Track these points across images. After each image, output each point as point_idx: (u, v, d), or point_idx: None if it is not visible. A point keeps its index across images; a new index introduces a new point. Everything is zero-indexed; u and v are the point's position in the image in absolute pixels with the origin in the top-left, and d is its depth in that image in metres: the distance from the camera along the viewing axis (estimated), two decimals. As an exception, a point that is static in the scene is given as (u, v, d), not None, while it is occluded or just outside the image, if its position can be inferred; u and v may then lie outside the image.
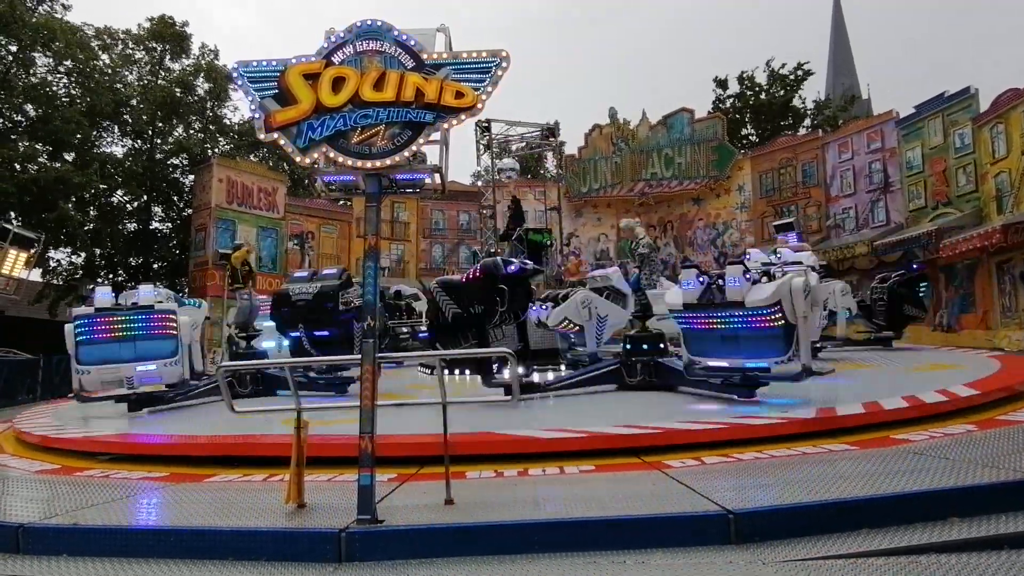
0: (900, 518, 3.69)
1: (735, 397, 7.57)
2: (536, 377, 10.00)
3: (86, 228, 27.20)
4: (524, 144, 25.40)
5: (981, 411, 6.69)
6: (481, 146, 23.50)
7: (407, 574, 3.54)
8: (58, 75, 26.81)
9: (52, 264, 27.70)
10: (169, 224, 32.07)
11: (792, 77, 36.83)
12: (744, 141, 36.56)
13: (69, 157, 26.62)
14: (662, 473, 4.93)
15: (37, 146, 24.85)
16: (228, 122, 33.20)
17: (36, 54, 25.65)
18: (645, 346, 9.39)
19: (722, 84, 38.05)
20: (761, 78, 37.25)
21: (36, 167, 24.56)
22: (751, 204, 30.79)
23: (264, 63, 4.49)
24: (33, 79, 25.76)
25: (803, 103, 37.87)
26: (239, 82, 4.51)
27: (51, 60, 26.26)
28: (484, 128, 23.27)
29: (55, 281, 27.94)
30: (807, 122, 37.65)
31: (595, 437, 5.98)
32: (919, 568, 3.16)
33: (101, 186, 27.69)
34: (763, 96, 36.88)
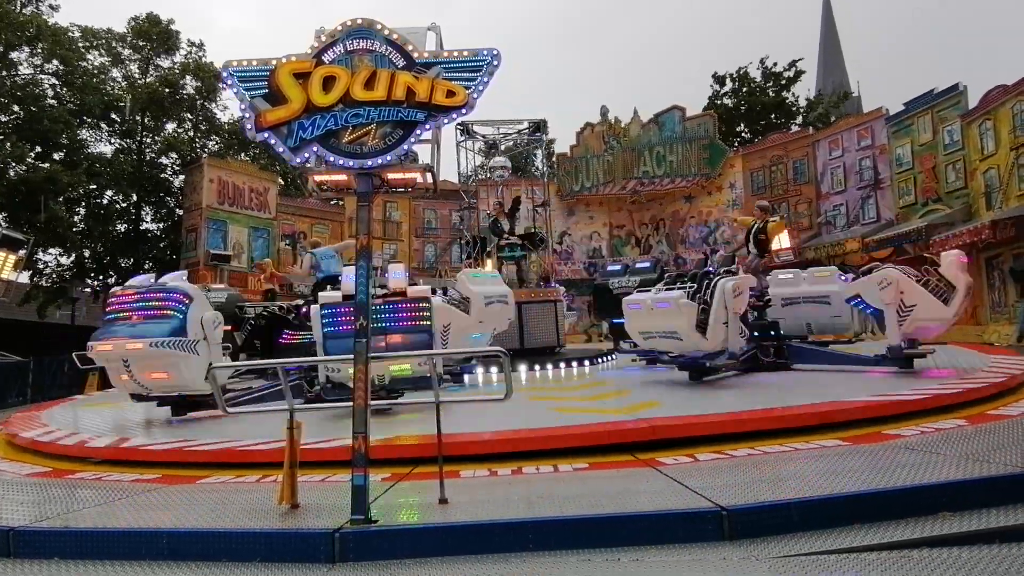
0: (892, 513, 3.71)
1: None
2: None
3: (75, 229, 27.00)
4: (512, 143, 25.28)
5: (972, 406, 6.73)
6: (463, 148, 23.29)
7: (401, 574, 3.53)
8: (45, 75, 26.60)
9: (40, 265, 27.46)
10: (159, 225, 31.88)
11: (785, 75, 37.00)
12: (737, 139, 36.70)
13: (57, 157, 26.41)
14: (655, 470, 4.94)
15: (25, 146, 24.63)
16: (219, 120, 32.95)
17: (22, 54, 25.44)
18: (771, 332, 10.51)
19: (720, 80, 38.15)
20: (755, 75, 37.44)
21: (24, 167, 24.36)
22: (742, 201, 30.91)
23: (254, 63, 4.47)
24: (19, 79, 25.53)
25: (795, 99, 38.06)
26: (229, 81, 4.48)
27: (38, 60, 26.05)
28: (464, 131, 23.06)
29: (44, 283, 27.69)
30: (799, 119, 37.83)
31: (587, 433, 6.00)
32: (911, 563, 3.18)
33: (91, 186, 27.51)
34: (757, 94, 37.03)
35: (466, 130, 22.80)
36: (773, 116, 37.19)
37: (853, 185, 26.69)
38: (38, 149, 25.61)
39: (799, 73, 37.19)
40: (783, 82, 37.04)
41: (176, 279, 10.39)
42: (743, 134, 37.67)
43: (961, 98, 22.37)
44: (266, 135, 4.41)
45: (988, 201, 20.53)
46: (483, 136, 22.99)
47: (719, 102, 37.49)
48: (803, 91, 51.85)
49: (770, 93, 36.98)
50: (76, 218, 27.72)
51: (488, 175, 22.66)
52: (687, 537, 3.66)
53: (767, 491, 4.04)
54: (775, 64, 37.28)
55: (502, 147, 23.96)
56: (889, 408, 6.41)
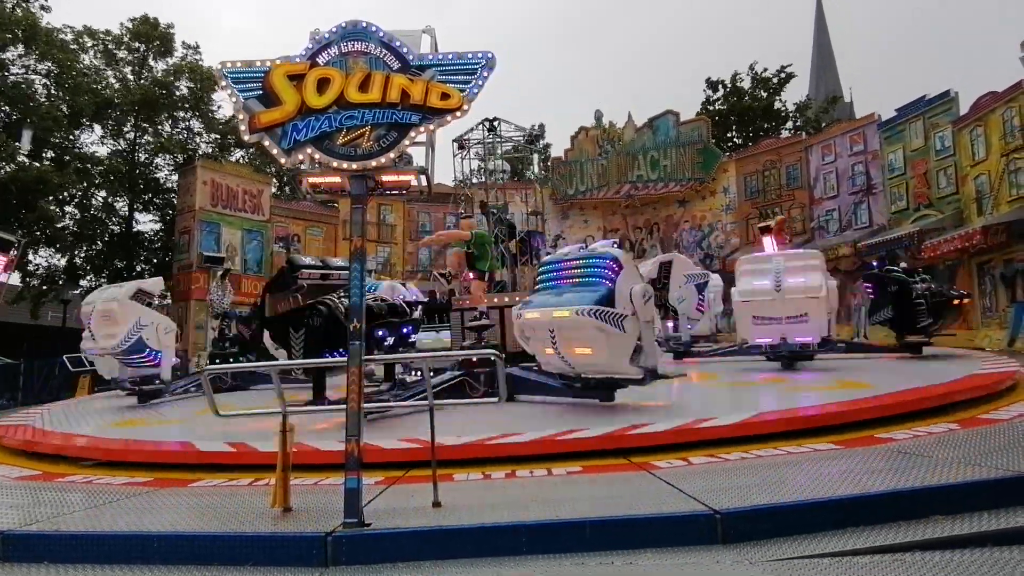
0: (884, 517, 3.72)
1: (598, 400, 7.51)
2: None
3: (67, 229, 26.83)
4: (511, 147, 25.28)
5: (963, 409, 6.76)
6: (457, 158, 23.28)
7: (394, 577, 3.52)
8: (37, 75, 26.45)
9: (31, 267, 27.22)
10: (154, 227, 31.71)
11: (775, 80, 37.16)
12: (729, 144, 36.83)
13: (49, 156, 26.25)
14: (649, 474, 4.94)
15: (15, 145, 24.45)
16: (214, 116, 32.61)
17: (13, 54, 25.29)
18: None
19: (713, 86, 38.30)
20: (745, 81, 37.59)
21: (15, 166, 24.20)
22: (736, 206, 31.00)
23: (248, 64, 4.46)
24: (12, 79, 25.37)
25: (783, 105, 38.21)
26: (223, 83, 4.47)
27: (30, 61, 25.91)
28: (460, 146, 23.02)
29: (34, 283, 27.43)
30: (789, 124, 38.00)
31: (582, 439, 5.99)
32: (903, 566, 3.18)
33: (82, 185, 27.35)
34: (746, 99, 37.18)
35: (461, 145, 22.85)
36: (762, 121, 37.33)
37: (846, 190, 26.81)
38: (30, 148, 25.40)
39: (789, 77, 37.34)
40: (772, 87, 37.19)
41: (156, 284, 10.82)
42: (734, 139, 37.80)
43: (952, 104, 22.53)
44: (260, 136, 4.41)
45: (979, 207, 20.65)
46: (479, 140, 23.02)
47: (711, 107, 37.62)
48: (795, 97, 52.13)
49: (762, 95, 37.10)
50: (68, 219, 27.55)
51: (488, 178, 22.71)
52: (681, 540, 3.66)
53: (760, 494, 4.05)
54: (765, 69, 37.46)
55: (498, 150, 23.98)
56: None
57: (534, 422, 6.77)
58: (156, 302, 11.77)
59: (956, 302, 12.15)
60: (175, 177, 30.12)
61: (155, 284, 12.09)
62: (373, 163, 4.37)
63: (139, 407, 10.89)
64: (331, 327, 8.17)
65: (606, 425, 6.33)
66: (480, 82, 4.37)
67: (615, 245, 7.95)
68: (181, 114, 31.67)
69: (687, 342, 15.40)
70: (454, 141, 22.87)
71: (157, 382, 11.36)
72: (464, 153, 22.76)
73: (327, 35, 4.47)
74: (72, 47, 27.73)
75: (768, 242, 14.83)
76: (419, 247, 17.10)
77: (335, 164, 4.39)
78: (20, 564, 3.89)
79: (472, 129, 23.21)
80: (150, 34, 29.86)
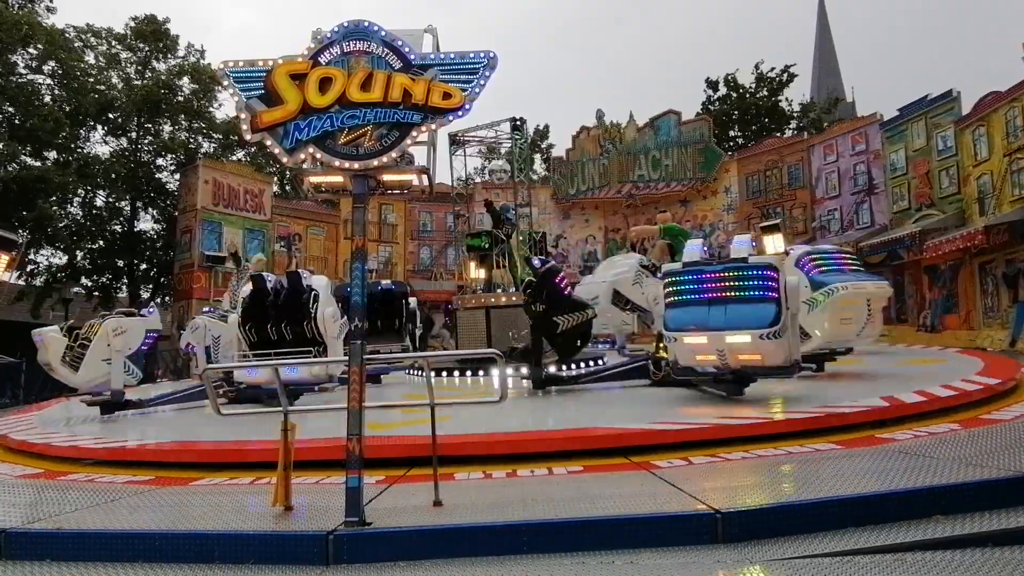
0: (886, 516, 3.72)
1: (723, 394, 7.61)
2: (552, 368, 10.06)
3: (68, 229, 26.84)
4: (510, 146, 25.25)
5: (965, 410, 6.76)
6: (454, 156, 23.31)
7: (395, 576, 3.52)
8: (40, 76, 26.47)
9: (31, 266, 27.21)
10: (156, 226, 31.68)
11: (778, 79, 37.14)
12: (731, 143, 36.81)
13: (51, 156, 26.27)
14: (650, 473, 4.95)
15: (17, 145, 24.48)
16: (214, 115, 32.57)
17: (17, 56, 25.32)
18: None
19: (713, 85, 38.30)
20: (748, 80, 37.58)
21: (16, 165, 24.21)
22: (738, 206, 30.99)
23: (251, 63, 4.47)
24: (16, 79, 25.39)
25: (789, 104, 38.20)
26: (225, 82, 4.47)
27: (33, 61, 25.93)
28: (453, 141, 22.99)
29: (35, 282, 27.44)
30: (792, 124, 37.96)
31: (584, 438, 6.00)
32: (904, 566, 3.18)
33: (85, 185, 27.37)
34: (749, 98, 37.17)
35: (455, 141, 22.90)
36: (766, 120, 37.32)
37: (847, 190, 26.80)
38: (29, 148, 25.42)
39: (792, 76, 37.33)
40: (775, 86, 37.17)
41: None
42: (737, 139, 37.78)
43: (955, 104, 22.49)
44: (262, 136, 4.41)
45: (981, 207, 20.61)
46: (480, 139, 22.99)
47: (712, 107, 37.61)
48: (797, 97, 52.14)
49: (765, 92, 37.07)
50: (69, 219, 27.55)
51: (488, 177, 22.68)
52: (681, 540, 3.67)
53: (761, 494, 4.05)
54: (771, 69, 37.46)
55: (501, 150, 23.94)
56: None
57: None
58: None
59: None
60: (177, 176, 30.14)
61: (53, 336, 10.13)
62: (375, 162, 4.38)
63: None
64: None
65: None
66: (482, 81, 4.36)
67: (754, 246, 7.87)
68: (184, 114, 31.64)
69: None
70: (449, 135, 22.79)
71: (106, 393, 10.02)
72: (457, 149, 22.66)
73: (329, 34, 4.47)
74: (75, 44, 27.74)
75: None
76: (627, 237, 17.30)
77: (337, 163, 4.39)
78: (22, 562, 3.90)
79: (478, 127, 23.24)
80: (143, 30, 29.79)
